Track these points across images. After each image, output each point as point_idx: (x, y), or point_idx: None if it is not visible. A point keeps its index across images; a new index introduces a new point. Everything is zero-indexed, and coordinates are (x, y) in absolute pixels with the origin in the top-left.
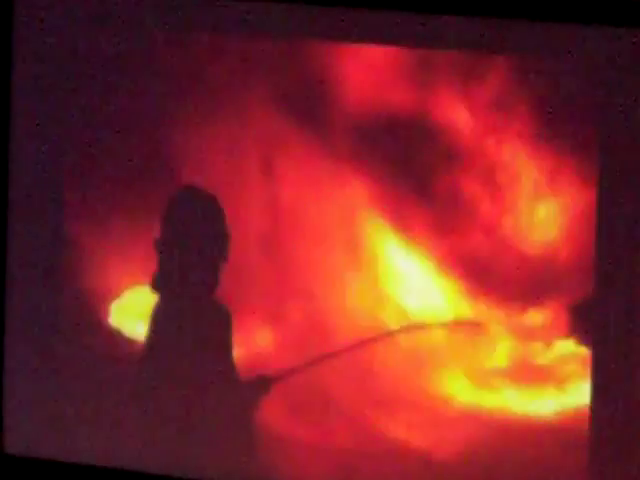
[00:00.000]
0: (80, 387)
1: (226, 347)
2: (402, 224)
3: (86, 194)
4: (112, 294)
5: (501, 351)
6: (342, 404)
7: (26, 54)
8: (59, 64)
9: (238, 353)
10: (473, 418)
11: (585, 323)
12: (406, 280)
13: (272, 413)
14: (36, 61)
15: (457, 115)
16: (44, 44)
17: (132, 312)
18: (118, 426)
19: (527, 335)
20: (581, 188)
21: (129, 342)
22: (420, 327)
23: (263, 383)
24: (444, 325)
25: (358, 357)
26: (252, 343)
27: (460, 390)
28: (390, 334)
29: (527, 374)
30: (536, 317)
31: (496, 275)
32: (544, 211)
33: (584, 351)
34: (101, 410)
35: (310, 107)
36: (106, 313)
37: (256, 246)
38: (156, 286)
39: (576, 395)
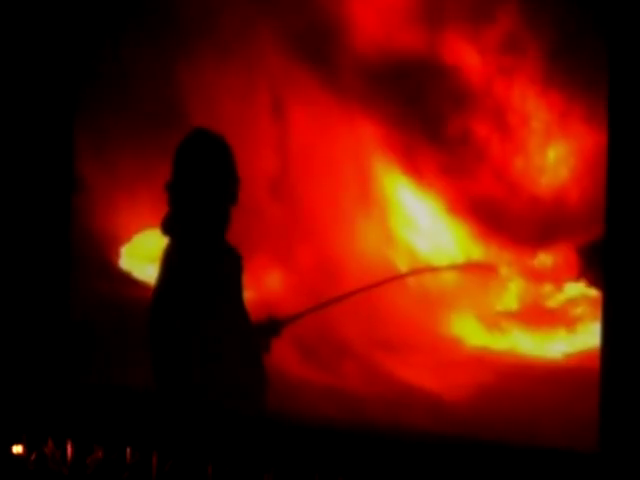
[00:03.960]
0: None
1: (237, 289)
2: (412, 166)
3: (97, 136)
4: (122, 237)
5: (511, 293)
6: (352, 346)
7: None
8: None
9: (249, 295)
10: (483, 360)
11: (595, 265)
12: (416, 222)
13: (283, 355)
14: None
15: (467, 57)
16: None
17: (142, 255)
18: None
19: (537, 277)
20: (591, 130)
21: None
22: (430, 269)
23: (274, 325)
24: (454, 267)
25: (368, 299)
26: (263, 285)
27: (470, 332)
28: (400, 276)
29: (537, 316)
30: (547, 259)
31: (507, 217)
32: (554, 153)
33: (594, 293)
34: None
35: (320, 49)
36: (117, 256)
37: (266, 188)
38: (167, 229)
39: (586, 337)
